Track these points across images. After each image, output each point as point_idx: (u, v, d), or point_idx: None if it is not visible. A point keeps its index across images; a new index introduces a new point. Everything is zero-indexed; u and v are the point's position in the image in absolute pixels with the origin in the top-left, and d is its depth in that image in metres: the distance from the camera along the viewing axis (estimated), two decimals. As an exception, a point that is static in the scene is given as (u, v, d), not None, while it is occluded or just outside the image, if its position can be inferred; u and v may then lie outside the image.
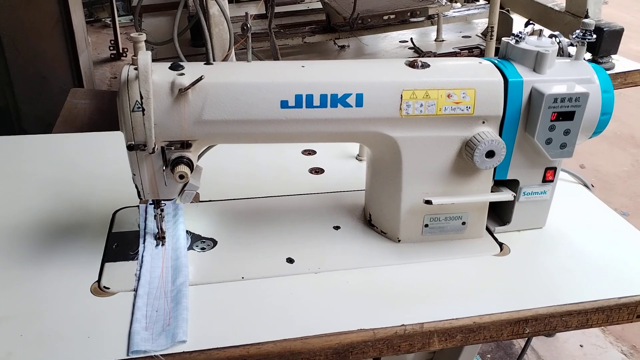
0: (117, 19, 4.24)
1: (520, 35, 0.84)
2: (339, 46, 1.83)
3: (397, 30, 1.83)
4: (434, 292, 0.80)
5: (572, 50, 0.88)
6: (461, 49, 1.76)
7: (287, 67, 0.81)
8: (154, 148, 0.74)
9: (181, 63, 0.77)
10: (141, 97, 0.71)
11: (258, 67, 0.80)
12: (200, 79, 0.72)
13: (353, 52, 1.81)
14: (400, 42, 1.86)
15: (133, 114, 0.73)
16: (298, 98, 0.77)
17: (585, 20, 0.84)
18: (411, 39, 1.82)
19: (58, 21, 2.68)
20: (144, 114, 0.71)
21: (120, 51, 4.32)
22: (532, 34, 0.87)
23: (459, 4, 2.01)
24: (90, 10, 4.94)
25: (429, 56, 1.69)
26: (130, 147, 0.75)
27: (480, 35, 1.88)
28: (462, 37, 1.88)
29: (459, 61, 0.94)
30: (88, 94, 2.38)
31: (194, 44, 1.88)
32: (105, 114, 2.18)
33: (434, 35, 1.88)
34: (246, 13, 0.77)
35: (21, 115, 2.87)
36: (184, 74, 0.75)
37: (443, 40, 1.84)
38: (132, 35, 0.74)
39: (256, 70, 0.79)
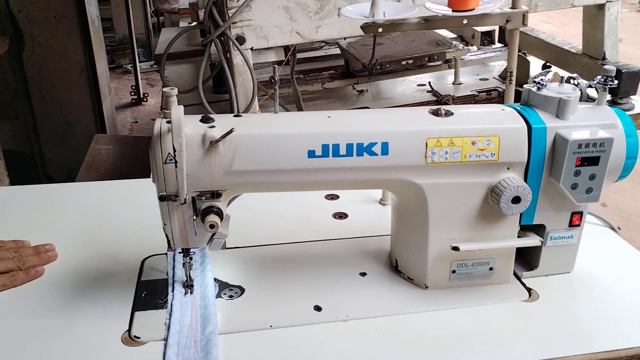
0: (138, 65, 4.36)
1: (542, 82, 0.86)
2: (357, 91, 1.86)
3: (414, 75, 1.86)
4: (464, 340, 0.80)
5: (590, 91, 0.89)
6: (479, 92, 1.78)
7: (314, 117, 0.84)
8: (185, 199, 0.76)
9: (211, 116, 0.79)
10: (174, 150, 0.73)
11: (285, 118, 0.82)
12: (231, 131, 0.74)
13: (372, 97, 1.83)
14: (417, 85, 1.89)
15: (165, 165, 0.75)
16: (325, 148, 0.79)
17: (607, 67, 0.85)
18: (429, 82, 1.84)
19: (83, 70, 2.77)
20: (176, 166, 0.73)
21: (141, 96, 4.42)
22: (553, 80, 0.88)
23: (475, 47, 2.04)
24: (112, 57, 5.09)
25: (447, 99, 1.71)
26: (162, 198, 0.77)
27: (497, 77, 1.91)
28: (480, 79, 1.90)
29: (481, 108, 0.95)
30: (111, 140, 2.44)
31: (215, 90, 1.92)
32: (127, 159, 2.22)
33: (451, 79, 1.91)
34: (274, 67, 0.79)
35: (45, 161, 2.94)
36: (214, 126, 0.77)
37: (460, 84, 1.86)
38: (164, 89, 0.77)
39: (284, 122, 0.81)
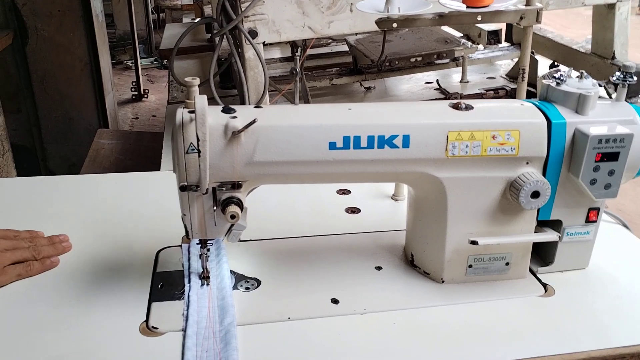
0: (139, 61, 4.35)
1: (562, 78, 0.86)
2: (365, 88, 1.86)
3: (422, 72, 1.86)
4: (482, 334, 0.80)
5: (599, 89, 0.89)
6: (487, 90, 1.78)
7: (335, 109, 0.83)
8: (207, 189, 0.75)
9: (232, 107, 0.79)
10: (197, 140, 0.72)
11: (306, 110, 0.82)
12: (253, 121, 0.74)
13: (379, 94, 1.83)
14: (425, 83, 1.89)
15: (187, 155, 0.74)
16: (346, 139, 0.79)
17: (627, 64, 0.85)
18: (437, 80, 1.84)
19: (86, 64, 2.76)
20: (199, 156, 0.73)
21: (142, 92, 4.41)
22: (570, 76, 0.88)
23: (481, 46, 2.04)
24: (112, 52, 5.07)
25: (456, 96, 1.71)
26: (183, 188, 0.76)
27: (504, 76, 1.91)
28: (487, 78, 1.91)
29: (501, 103, 0.95)
30: (114, 135, 2.43)
31: (222, 85, 1.92)
32: (131, 153, 2.22)
33: (457, 77, 1.91)
34: (295, 58, 0.79)
35: (47, 156, 2.93)
36: (236, 117, 0.77)
37: (468, 82, 1.86)
38: (186, 79, 0.77)
39: (305, 113, 0.81)
